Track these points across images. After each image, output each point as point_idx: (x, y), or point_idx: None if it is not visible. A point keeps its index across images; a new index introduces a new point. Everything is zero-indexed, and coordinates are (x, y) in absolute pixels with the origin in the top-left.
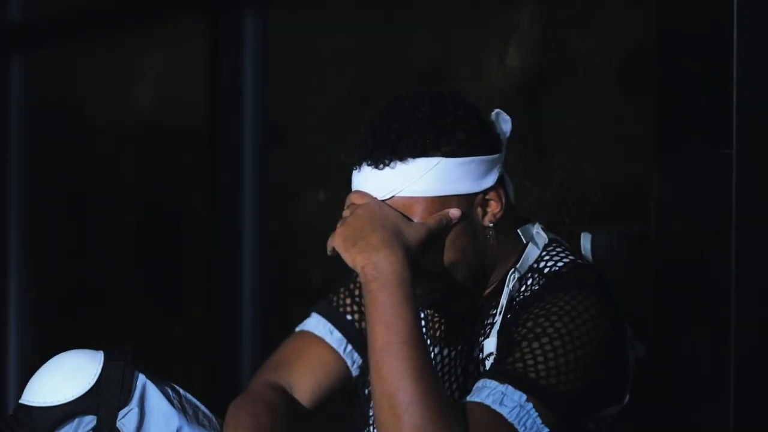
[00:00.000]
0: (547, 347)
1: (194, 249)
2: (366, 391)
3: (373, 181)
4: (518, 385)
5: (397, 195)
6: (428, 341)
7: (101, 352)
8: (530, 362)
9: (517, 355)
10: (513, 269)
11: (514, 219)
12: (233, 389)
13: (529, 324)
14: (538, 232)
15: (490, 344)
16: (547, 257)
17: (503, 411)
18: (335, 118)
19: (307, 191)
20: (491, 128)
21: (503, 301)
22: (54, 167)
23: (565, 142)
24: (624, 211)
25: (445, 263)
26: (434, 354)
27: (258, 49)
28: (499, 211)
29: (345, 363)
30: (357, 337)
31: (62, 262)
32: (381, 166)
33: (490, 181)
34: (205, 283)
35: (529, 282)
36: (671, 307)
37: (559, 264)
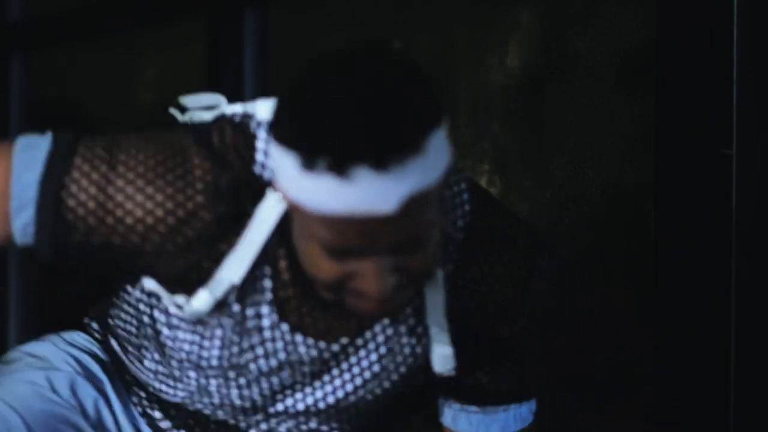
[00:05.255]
0: (526, 359)
1: None
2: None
3: (379, 189)
4: (498, 404)
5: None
6: (306, 338)
7: None
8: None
9: (499, 370)
10: None
11: None
12: None
13: (516, 329)
14: None
15: (438, 334)
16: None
17: None
18: None
19: None
20: None
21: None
22: None
23: (565, 142)
24: (624, 211)
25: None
26: (320, 350)
27: (258, 49)
28: None
29: None
30: None
31: (62, 261)
32: (387, 163)
33: None
34: None
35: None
36: (671, 307)
37: (459, 222)
